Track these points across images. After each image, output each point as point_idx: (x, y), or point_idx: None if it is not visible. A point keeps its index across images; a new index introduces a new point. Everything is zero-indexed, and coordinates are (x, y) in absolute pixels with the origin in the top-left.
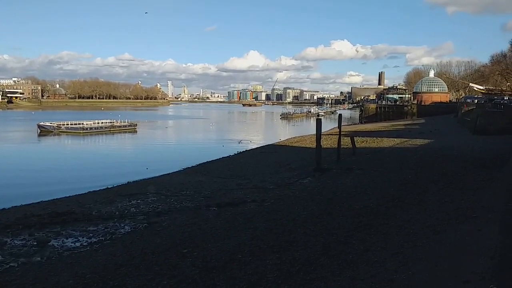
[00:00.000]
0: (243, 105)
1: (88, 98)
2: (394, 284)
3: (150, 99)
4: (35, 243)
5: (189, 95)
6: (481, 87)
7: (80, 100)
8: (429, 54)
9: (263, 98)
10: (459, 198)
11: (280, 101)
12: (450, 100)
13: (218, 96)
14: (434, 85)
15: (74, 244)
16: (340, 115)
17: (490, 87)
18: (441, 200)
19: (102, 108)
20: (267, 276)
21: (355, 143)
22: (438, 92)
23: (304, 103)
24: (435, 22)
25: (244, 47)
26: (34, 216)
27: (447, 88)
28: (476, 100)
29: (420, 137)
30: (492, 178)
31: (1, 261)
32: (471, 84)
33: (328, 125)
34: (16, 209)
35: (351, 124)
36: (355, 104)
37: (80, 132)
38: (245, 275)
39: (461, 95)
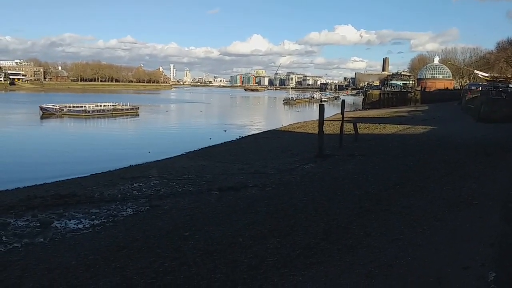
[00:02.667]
0: (245, 89)
1: (91, 80)
2: (394, 269)
3: (152, 82)
4: (38, 224)
5: (192, 79)
6: (486, 74)
7: (82, 82)
8: (434, 40)
9: (266, 83)
10: (461, 186)
11: (283, 86)
12: (454, 87)
13: (220, 81)
14: (438, 71)
15: (77, 225)
16: (343, 101)
17: (495, 75)
18: (442, 187)
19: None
20: (268, 259)
21: (358, 129)
22: (442, 79)
23: (307, 88)
24: (439, 8)
25: (247, 31)
26: (37, 198)
27: (451, 75)
28: (480, 88)
29: (423, 124)
30: (495, 166)
31: (5, 242)
32: (475, 71)
33: (331, 111)
34: (19, 191)
35: (354, 110)
36: (359, 90)
37: (82, 115)
38: (245, 258)
39: (466, 82)
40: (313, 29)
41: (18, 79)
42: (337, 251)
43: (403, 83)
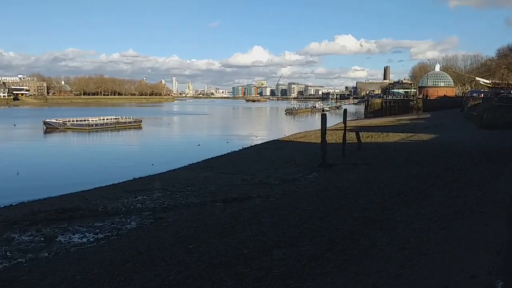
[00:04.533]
0: (246, 100)
1: (93, 94)
2: (400, 279)
3: (155, 95)
4: (43, 239)
5: (194, 91)
6: (488, 81)
7: (85, 96)
8: (434, 48)
9: (268, 93)
10: (465, 193)
11: (284, 96)
12: (456, 95)
13: (222, 92)
14: (440, 79)
15: (81, 240)
16: (345, 110)
17: (496, 81)
18: (447, 195)
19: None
20: (273, 271)
21: (361, 138)
22: (444, 87)
23: (309, 98)
24: (438, 16)
25: (248, 43)
26: (41, 212)
27: (453, 82)
28: (482, 94)
29: (426, 132)
30: (499, 173)
31: (9, 257)
32: (477, 78)
33: (333, 120)
34: (23, 205)
35: (356, 119)
36: (360, 99)
37: (86, 129)
38: (251, 270)
39: (467, 89)
40: (313, 39)
41: (22, 94)
42: (343, 261)
43: (404, 91)
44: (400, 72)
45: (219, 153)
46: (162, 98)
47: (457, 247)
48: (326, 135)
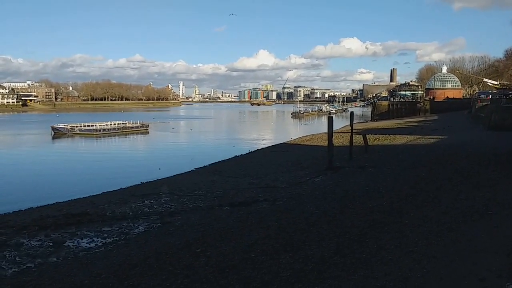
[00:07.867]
0: (252, 104)
1: (101, 99)
2: (409, 282)
3: (161, 100)
4: (51, 243)
5: (200, 95)
6: (496, 82)
7: (93, 102)
8: (440, 50)
9: (274, 97)
10: (474, 195)
11: (291, 99)
12: (463, 96)
13: (229, 96)
14: (447, 81)
15: (89, 244)
16: (351, 113)
17: (504, 82)
18: (455, 197)
19: (122, 111)
20: (281, 275)
21: (368, 140)
22: (451, 88)
23: (315, 101)
24: (443, 19)
25: (253, 47)
26: (49, 217)
27: (460, 84)
28: (490, 96)
29: (434, 134)
30: (508, 174)
31: (18, 262)
32: (485, 80)
33: (340, 123)
34: (32, 211)
35: (363, 122)
36: (367, 102)
37: (93, 134)
38: (258, 274)
39: (475, 90)
40: (319, 42)
41: (30, 100)
42: (351, 265)
43: (411, 93)
44: (407, 74)
45: (225, 157)
46: (169, 102)
47: (466, 250)
48: (333, 138)
